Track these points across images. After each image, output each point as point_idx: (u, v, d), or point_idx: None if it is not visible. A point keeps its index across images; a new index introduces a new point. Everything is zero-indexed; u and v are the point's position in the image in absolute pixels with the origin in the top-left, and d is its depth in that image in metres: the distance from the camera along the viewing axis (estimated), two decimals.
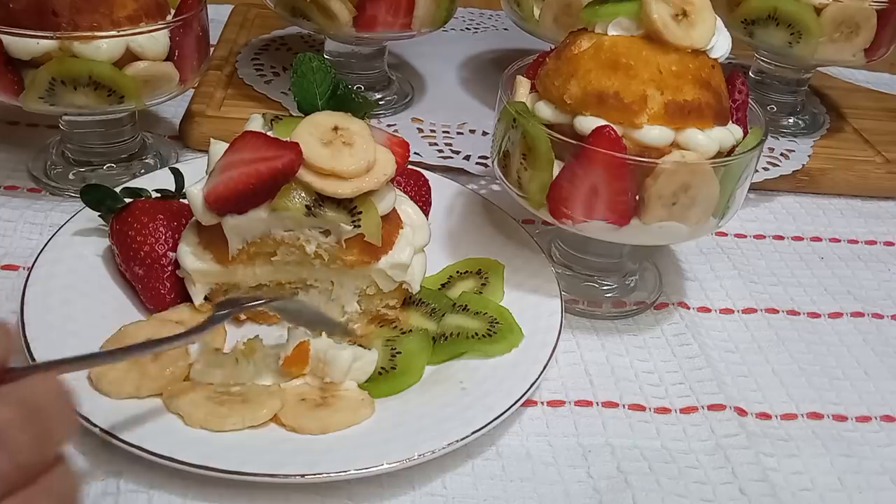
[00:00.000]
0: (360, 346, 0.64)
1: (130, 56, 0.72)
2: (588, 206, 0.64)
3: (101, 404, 0.55)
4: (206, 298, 0.65)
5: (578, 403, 0.65)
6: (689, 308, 0.77)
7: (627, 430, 0.64)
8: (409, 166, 0.75)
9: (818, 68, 1.09)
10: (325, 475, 0.53)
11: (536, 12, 0.93)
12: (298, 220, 0.61)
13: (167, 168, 0.74)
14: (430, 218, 0.73)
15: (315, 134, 0.60)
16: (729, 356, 0.72)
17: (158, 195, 0.69)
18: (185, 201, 0.64)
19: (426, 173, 0.77)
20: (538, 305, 0.68)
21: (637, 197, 0.63)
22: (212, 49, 1.01)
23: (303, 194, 0.60)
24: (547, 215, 0.67)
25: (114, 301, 0.65)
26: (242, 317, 0.66)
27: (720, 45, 0.65)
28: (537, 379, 0.61)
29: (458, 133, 0.96)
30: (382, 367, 0.62)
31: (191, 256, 0.64)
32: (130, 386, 0.57)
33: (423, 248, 0.68)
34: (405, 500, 0.56)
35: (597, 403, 0.65)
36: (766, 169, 0.93)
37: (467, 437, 0.56)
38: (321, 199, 0.60)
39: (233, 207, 0.60)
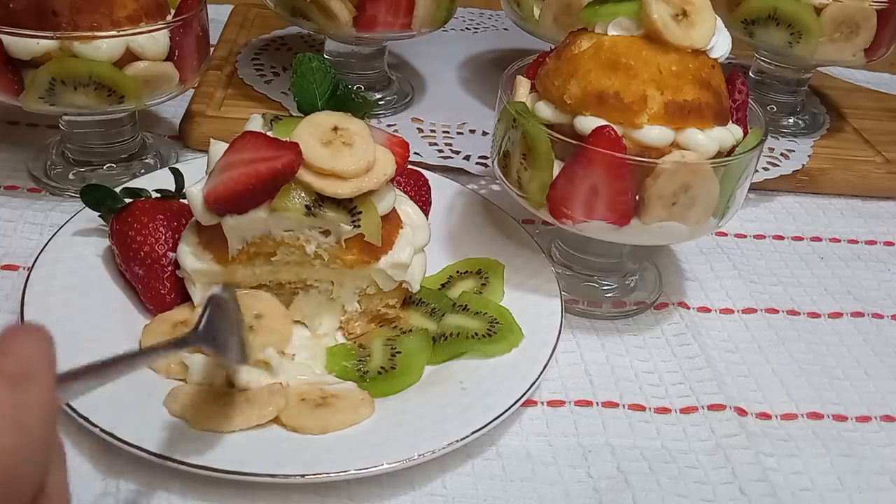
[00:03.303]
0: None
1: (130, 56, 0.72)
2: (588, 206, 0.64)
3: (101, 404, 0.55)
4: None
5: (578, 403, 0.65)
6: (689, 308, 0.77)
7: (627, 430, 0.64)
8: (409, 166, 0.75)
9: (818, 68, 1.09)
10: (325, 475, 0.53)
11: (536, 12, 0.93)
12: (298, 220, 0.61)
13: (167, 168, 0.74)
14: (430, 218, 0.73)
15: (315, 134, 0.60)
16: (729, 356, 0.72)
17: (158, 195, 0.69)
18: (185, 201, 0.64)
19: (426, 173, 0.77)
20: (538, 305, 0.68)
21: (637, 197, 0.63)
22: (212, 49, 1.01)
23: (302, 194, 0.60)
24: (547, 215, 0.67)
25: (114, 301, 0.65)
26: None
27: (720, 45, 0.65)
28: (537, 379, 0.61)
29: (458, 133, 0.96)
30: (382, 367, 0.62)
31: (191, 256, 0.64)
32: None
33: (423, 248, 0.68)
34: (405, 500, 0.56)
35: (597, 403, 0.65)
36: (766, 169, 0.93)
37: (467, 437, 0.56)
38: (321, 199, 0.60)
39: (232, 207, 0.60)
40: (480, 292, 0.70)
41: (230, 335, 0.53)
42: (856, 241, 0.90)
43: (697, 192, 0.63)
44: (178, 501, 0.54)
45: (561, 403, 0.65)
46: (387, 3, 0.87)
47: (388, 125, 0.95)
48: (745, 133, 0.68)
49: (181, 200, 0.68)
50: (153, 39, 0.73)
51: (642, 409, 0.66)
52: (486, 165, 0.90)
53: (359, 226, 0.61)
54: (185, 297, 0.65)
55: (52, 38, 0.69)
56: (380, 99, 1.00)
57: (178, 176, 0.70)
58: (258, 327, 0.61)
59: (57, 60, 0.70)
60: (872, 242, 0.90)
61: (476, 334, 0.64)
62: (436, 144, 0.93)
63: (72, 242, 0.69)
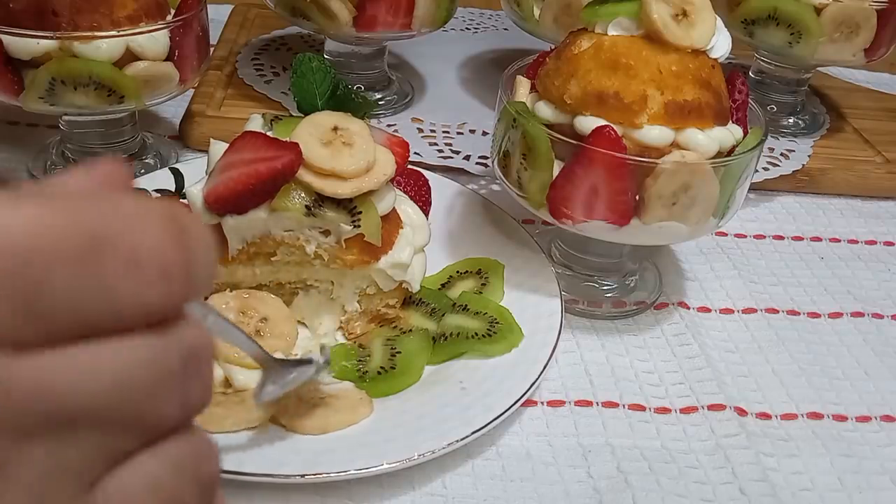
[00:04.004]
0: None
1: (130, 56, 0.72)
2: (588, 206, 0.64)
3: None
4: (205, 298, 0.65)
5: (578, 403, 0.65)
6: (689, 308, 0.77)
7: (627, 430, 0.63)
8: (409, 166, 0.75)
9: (818, 68, 1.09)
10: (325, 475, 0.53)
11: (536, 12, 0.93)
12: (298, 220, 0.61)
13: (167, 168, 0.74)
14: (430, 218, 0.73)
15: (315, 134, 0.60)
16: (729, 356, 0.72)
17: (158, 195, 0.69)
18: (185, 201, 0.64)
19: (426, 173, 0.77)
20: (538, 305, 0.68)
21: (637, 197, 0.63)
22: (212, 49, 1.01)
23: (302, 194, 0.60)
24: (547, 215, 0.67)
25: None
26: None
27: (720, 45, 0.65)
28: (537, 379, 0.61)
29: (458, 133, 0.96)
30: (382, 367, 0.62)
31: None
32: None
33: (423, 247, 0.68)
34: (405, 500, 0.56)
35: (597, 403, 0.65)
36: (766, 169, 0.93)
37: (467, 437, 0.56)
38: (321, 199, 0.60)
39: (232, 208, 0.60)
40: (480, 292, 0.70)
41: (288, 385, 0.52)
42: (856, 241, 0.90)
43: (697, 192, 0.63)
44: None
45: (561, 403, 0.65)
46: (387, 3, 0.87)
47: (388, 125, 0.95)
48: (745, 133, 0.68)
49: (181, 200, 0.68)
50: (153, 39, 0.73)
51: (642, 409, 0.66)
52: (486, 165, 0.90)
53: (359, 226, 0.61)
54: None
55: (52, 38, 0.69)
56: (380, 99, 1.00)
57: (178, 176, 0.71)
58: (266, 331, 0.61)
59: (57, 60, 0.70)
60: (872, 242, 0.90)
61: (476, 334, 0.64)
62: (436, 144, 0.93)
63: None
